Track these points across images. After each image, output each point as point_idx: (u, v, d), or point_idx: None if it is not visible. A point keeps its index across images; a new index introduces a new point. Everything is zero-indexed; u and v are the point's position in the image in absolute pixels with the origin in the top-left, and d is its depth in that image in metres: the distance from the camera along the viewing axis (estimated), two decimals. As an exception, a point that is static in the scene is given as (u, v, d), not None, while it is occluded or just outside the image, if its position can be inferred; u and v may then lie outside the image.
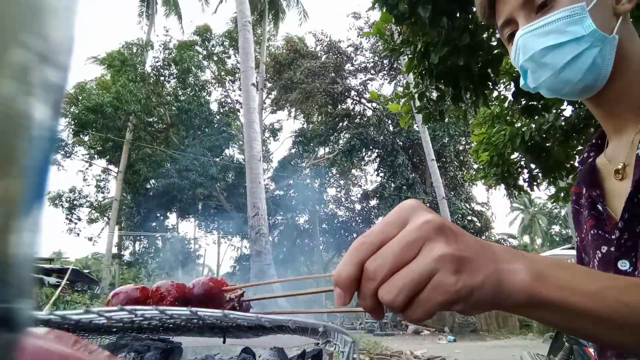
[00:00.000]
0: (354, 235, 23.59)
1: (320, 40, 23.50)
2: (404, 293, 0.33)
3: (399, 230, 0.34)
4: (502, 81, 3.80)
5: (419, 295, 0.33)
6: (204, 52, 23.76)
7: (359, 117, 22.79)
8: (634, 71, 0.60)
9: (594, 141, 0.70)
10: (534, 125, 3.77)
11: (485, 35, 2.80)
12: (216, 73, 24.69)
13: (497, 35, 2.83)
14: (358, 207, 24.64)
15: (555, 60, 0.60)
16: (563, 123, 3.59)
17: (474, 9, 2.78)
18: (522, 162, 4.45)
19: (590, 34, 0.57)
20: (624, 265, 0.57)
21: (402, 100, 3.35)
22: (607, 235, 0.61)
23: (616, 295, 0.37)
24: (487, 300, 0.35)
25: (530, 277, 0.35)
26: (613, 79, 0.59)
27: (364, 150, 21.33)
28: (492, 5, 0.67)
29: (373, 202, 23.40)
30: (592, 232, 0.63)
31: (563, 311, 0.36)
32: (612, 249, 0.59)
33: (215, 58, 24.42)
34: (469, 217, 20.06)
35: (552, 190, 4.87)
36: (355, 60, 23.56)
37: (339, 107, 22.73)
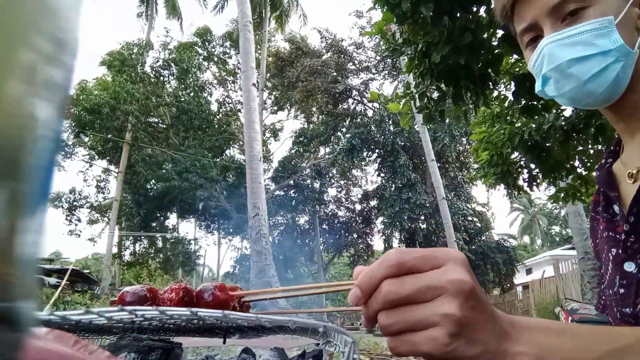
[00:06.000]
0: (354, 235, 23.57)
1: (325, 38, 23.44)
2: (398, 326, 0.35)
3: (430, 268, 0.36)
4: (502, 81, 3.80)
5: (410, 336, 0.35)
6: (205, 53, 23.74)
7: (360, 117, 22.75)
8: None
9: (612, 148, 0.71)
10: (533, 125, 3.77)
11: (485, 35, 2.80)
12: (217, 74, 24.68)
13: (498, 35, 2.83)
14: (358, 207, 24.63)
15: (581, 72, 0.60)
16: (563, 123, 3.58)
17: (474, 9, 2.79)
18: (522, 162, 4.45)
19: (617, 48, 0.58)
20: (629, 267, 0.58)
21: (403, 100, 3.35)
22: (617, 237, 0.61)
23: None
24: None
25: None
26: (629, 90, 0.61)
27: (364, 150, 21.28)
28: (514, 7, 0.65)
29: (373, 203, 23.38)
30: (604, 234, 0.64)
31: None
32: (620, 250, 0.59)
33: (216, 59, 24.41)
34: (470, 218, 20.08)
35: (552, 190, 4.87)
36: (356, 59, 23.53)
37: (340, 106, 22.70)
